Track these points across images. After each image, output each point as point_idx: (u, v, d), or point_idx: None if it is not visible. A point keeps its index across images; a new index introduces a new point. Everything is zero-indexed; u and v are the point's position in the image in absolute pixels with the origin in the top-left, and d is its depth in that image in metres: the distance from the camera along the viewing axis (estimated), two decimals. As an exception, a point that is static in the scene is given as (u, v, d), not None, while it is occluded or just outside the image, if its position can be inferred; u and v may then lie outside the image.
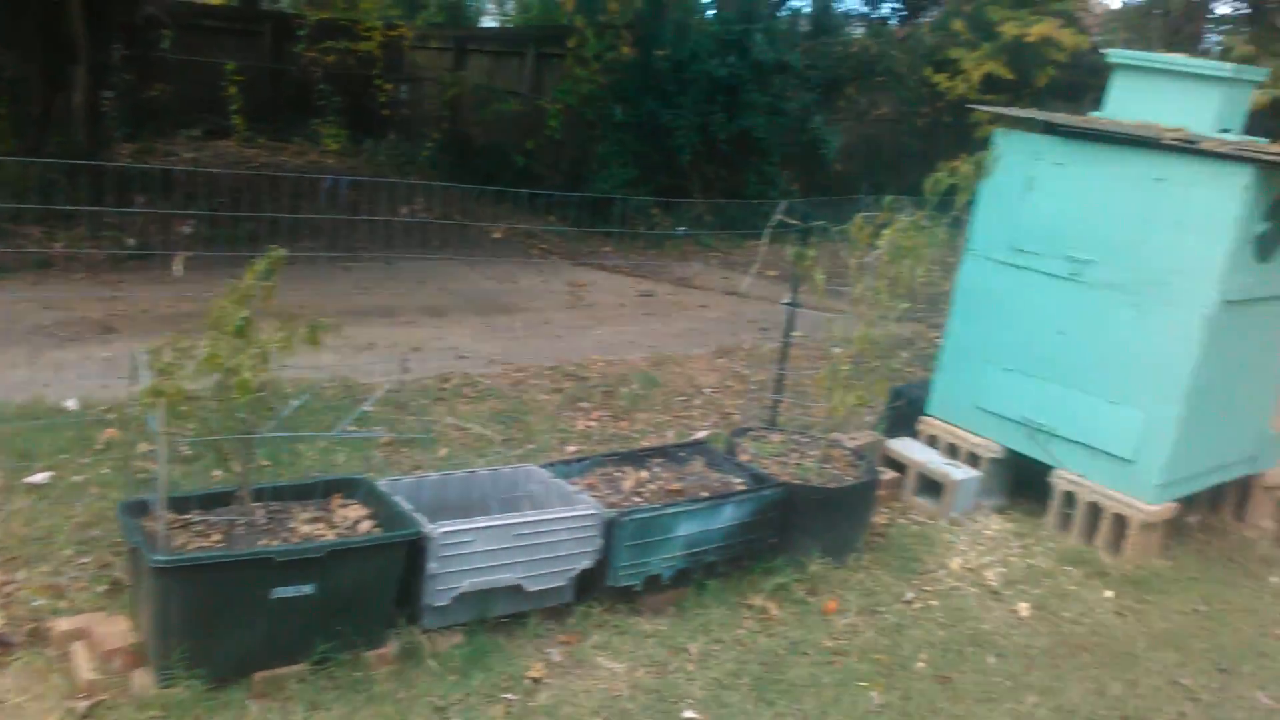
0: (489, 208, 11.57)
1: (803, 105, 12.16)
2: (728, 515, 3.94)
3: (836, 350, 4.58)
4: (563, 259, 10.24)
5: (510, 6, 22.08)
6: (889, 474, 5.13)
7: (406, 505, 3.48)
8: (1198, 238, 4.40)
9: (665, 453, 4.46)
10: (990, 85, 12.47)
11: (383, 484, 3.66)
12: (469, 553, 3.41)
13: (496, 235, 10.58)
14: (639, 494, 4.06)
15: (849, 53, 13.10)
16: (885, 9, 17.75)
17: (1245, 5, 16.45)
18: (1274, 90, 8.43)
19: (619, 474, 4.20)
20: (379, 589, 3.29)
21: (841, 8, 17.87)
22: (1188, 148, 4.40)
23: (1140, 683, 3.77)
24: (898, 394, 5.76)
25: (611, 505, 3.85)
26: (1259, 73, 5.11)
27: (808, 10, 17.20)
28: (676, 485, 4.16)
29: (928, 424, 5.39)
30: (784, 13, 16.17)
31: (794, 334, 7.48)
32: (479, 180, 12.39)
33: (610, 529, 3.68)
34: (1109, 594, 4.39)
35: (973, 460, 5.14)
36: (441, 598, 3.40)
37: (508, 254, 10.16)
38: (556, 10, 13.45)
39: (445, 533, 3.36)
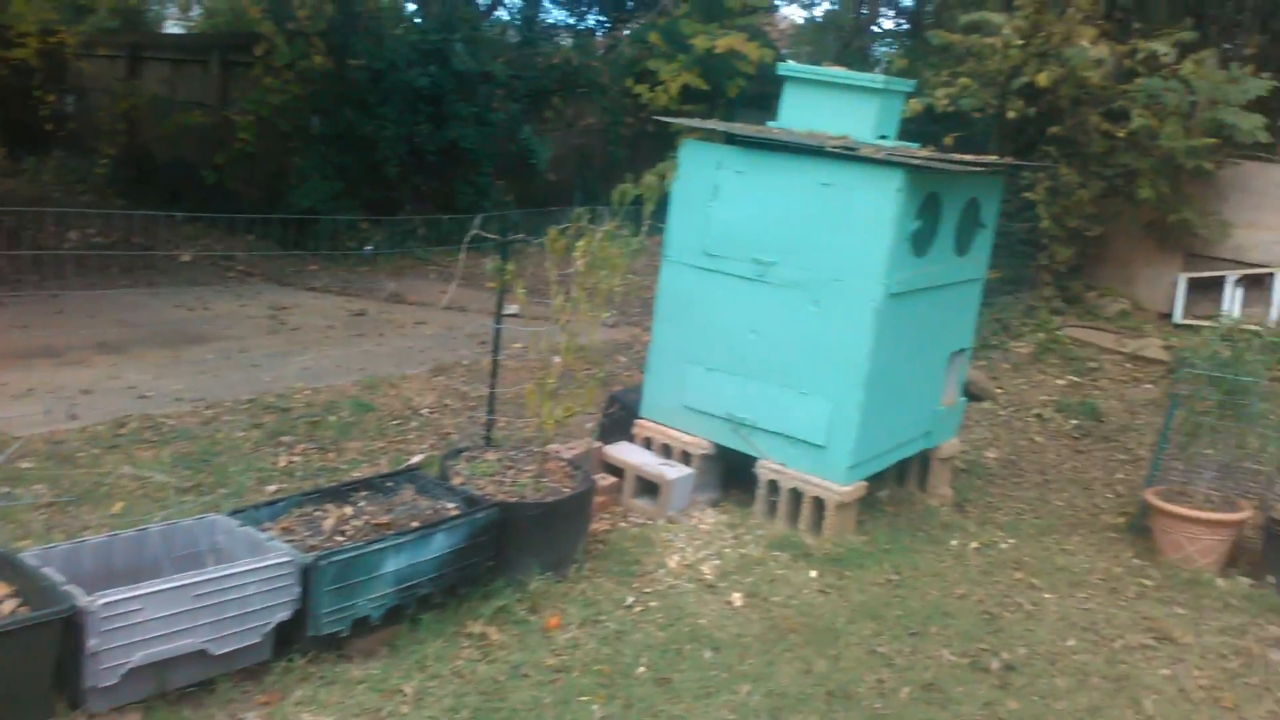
0: (176, 228, 10.61)
1: (510, 115, 12.13)
2: (439, 544, 3.79)
3: (556, 360, 4.54)
4: (264, 281, 9.58)
5: (197, 11, 20.49)
6: (608, 479, 5.17)
7: (58, 577, 3.04)
8: (862, 237, 4.76)
9: (371, 484, 4.23)
10: (688, 96, 13.04)
11: (30, 554, 3.19)
12: (138, 622, 3.03)
13: (185, 258, 9.72)
14: (342, 532, 3.81)
15: (552, 63, 13.24)
16: (591, 20, 18.14)
17: (905, 21, 18.36)
18: (926, 98, 9.38)
19: (319, 513, 3.92)
20: (27, 678, 2.86)
21: (549, 19, 18.09)
22: (848, 154, 4.75)
23: (842, 656, 4.00)
24: (613, 399, 5.84)
25: (311, 549, 3.58)
26: (907, 84, 5.61)
27: (514, 20, 17.28)
28: (384, 519, 3.94)
29: (642, 426, 5.49)
30: (491, 22, 16.12)
31: (515, 345, 7.44)
32: (163, 199, 11.36)
33: (308, 575, 3.41)
34: (813, 574, 4.65)
35: (686, 458, 5.29)
36: (107, 677, 3.00)
37: (200, 279, 9.35)
38: (244, 16, 12.59)
39: (106, 604, 2.97)
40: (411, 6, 14.48)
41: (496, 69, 12.06)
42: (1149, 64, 8.89)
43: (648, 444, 5.42)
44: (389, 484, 4.23)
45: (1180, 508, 5.22)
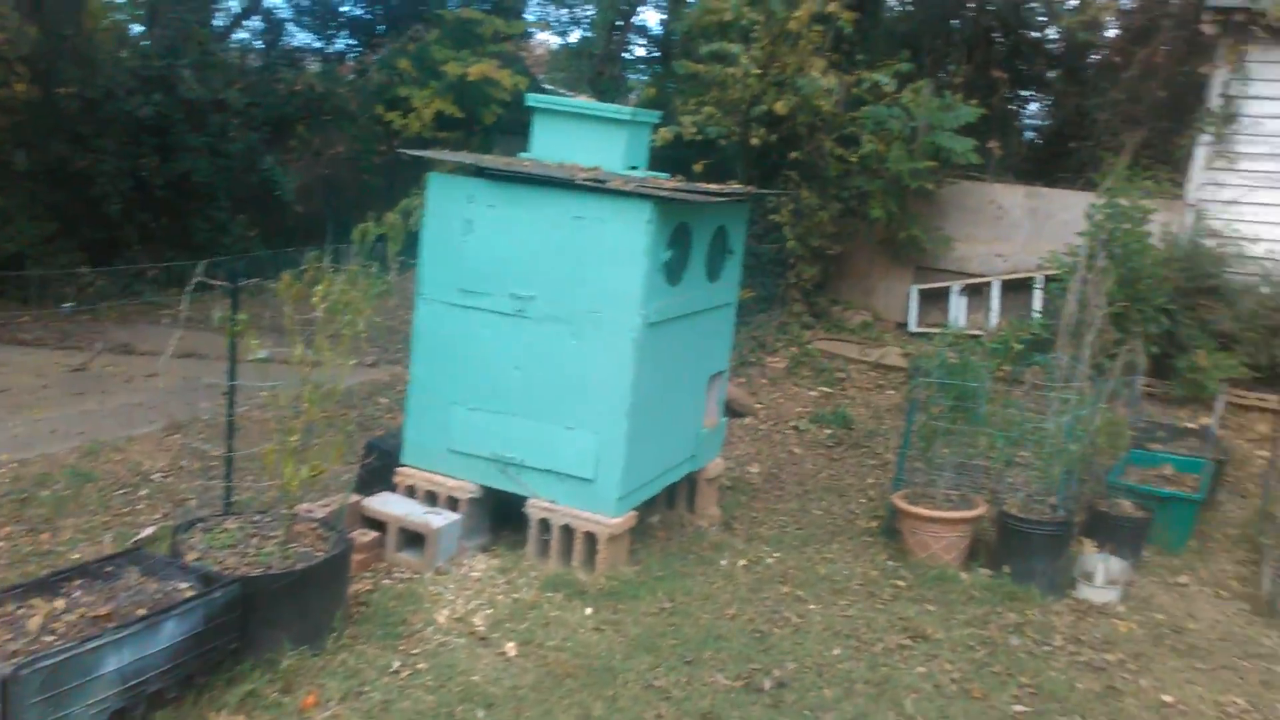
0: None
1: (249, 145, 11.41)
2: (171, 632, 3.39)
3: (304, 410, 4.20)
4: (-37, 338, 8.45)
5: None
6: (368, 535, 4.88)
7: None
8: (617, 269, 4.76)
9: (88, 571, 3.74)
10: (443, 123, 12.79)
11: None
12: None
13: None
14: (52, 631, 3.33)
15: (294, 90, 12.60)
16: (340, 44, 17.44)
17: (656, 49, 18.91)
18: (676, 126, 9.66)
19: (23, 611, 3.42)
20: None
21: (294, 42, 17.22)
22: (598, 187, 4.74)
23: (620, 696, 3.93)
24: (372, 447, 5.54)
25: (11, 656, 3.11)
26: (653, 114, 5.70)
27: (256, 44, 16.30)
28: (104, 609, 3.49)
29: (405, 474, 5.24)
30: (228, 46, 15.14)
31: (263, 394, 6.90)
32: None
33: (7, 688, 2.95)
34: (588, 612, 4.57)
35: (453, 504, 5.08)
36: None
37: (-120, 338, 8.13)
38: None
39: None
40: (139, 28, 13.38)
41: (231, 96, 11.32)
42: (874, 93, 9.58)
43: (411, 492, 5.17)
44: (109, 568, 3.76)
45: (923, 509, 5.56)
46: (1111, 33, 12.80)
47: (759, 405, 8.34)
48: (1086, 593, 5.21)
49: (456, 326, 5.10)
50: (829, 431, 7.92)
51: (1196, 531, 6.01)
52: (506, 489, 5.07)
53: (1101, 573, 5.24)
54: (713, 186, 5.73)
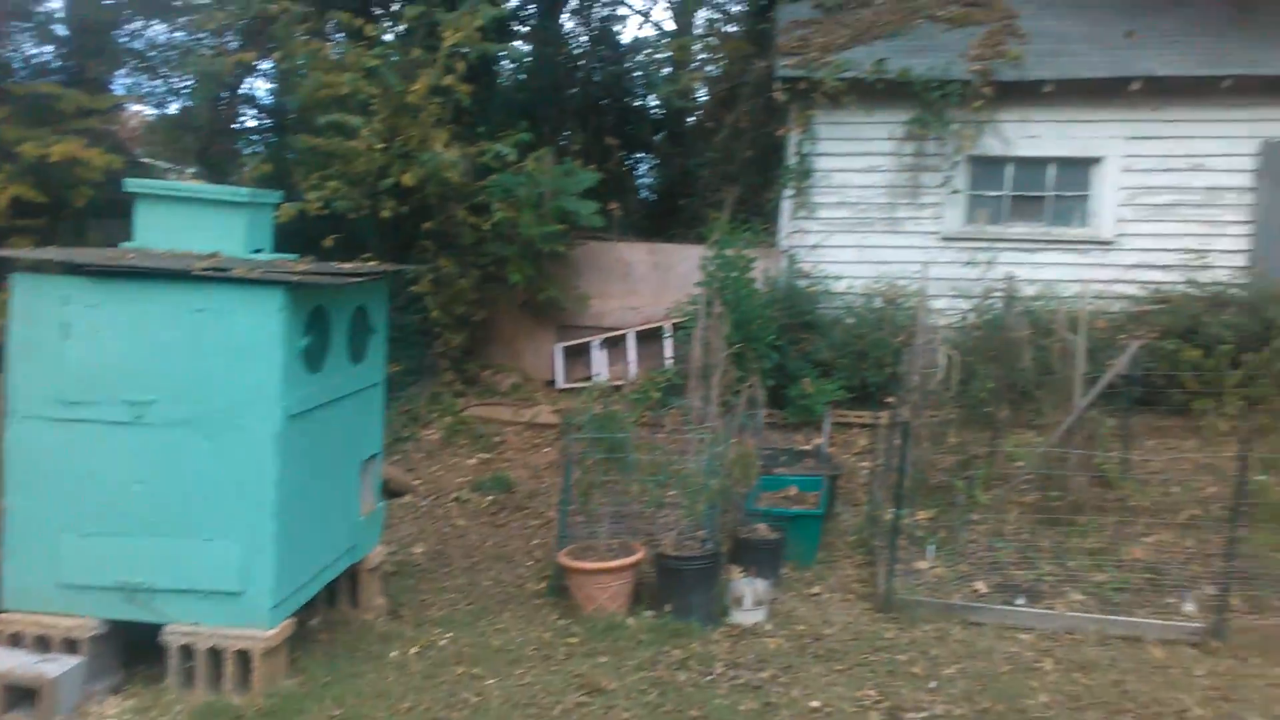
0: None
1: None
2: None
3: None
4: None
5: None
6: (-35, 703, 4.14)
7: None
8: (251, 361, 4.48)
9: None
10: (23, 210, 11.31)
11: None
12: None
13: None
14: None
15: None
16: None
17: (269, 119, 18.07)
18: (300, 203, 9.30)
19: None
20: None
21: None
22: (220, 276, 4.45)
23: (294, 825, 3.65)
24: (-40, 597, 4.73)
25: None
26: (273, 194, 5.48)
27: None
28: None
29: (6, 621, 4.54)
30: None
31: None
32: None
33: None
34: (248, 739, 4.20)
35: (71, 646, 4.46)
36: None
37: None
38: None
39: None
40: None
41: None
42: (498, 161, 9.87)
43: (16, 641, 4.48)
44: None
45: (586, 563, 5.75)
46: (704, 98, 14.28)
47: (417, 481, 8.19)
48: (738, 617, 5.64)
49: (60, 443, 4.53)
50: (491, 498, 7.94)
51: (823, 544, 6.74)
52: (137, 619, 4.55)
53: (749, 596, 5.70)
54: (348, 266, 5.59)
